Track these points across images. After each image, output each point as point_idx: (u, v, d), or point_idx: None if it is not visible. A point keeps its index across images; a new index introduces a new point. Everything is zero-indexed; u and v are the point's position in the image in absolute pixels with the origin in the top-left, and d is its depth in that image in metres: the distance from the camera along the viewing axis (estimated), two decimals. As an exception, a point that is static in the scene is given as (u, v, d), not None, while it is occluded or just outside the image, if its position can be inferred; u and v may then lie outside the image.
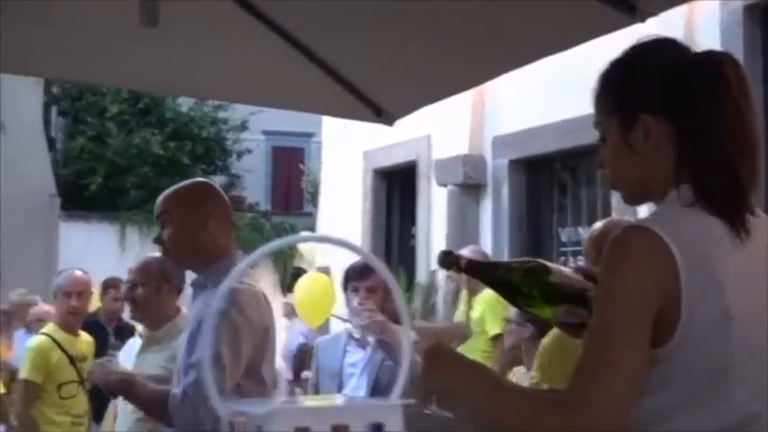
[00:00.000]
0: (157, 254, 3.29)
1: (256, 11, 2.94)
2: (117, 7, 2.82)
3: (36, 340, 5.38)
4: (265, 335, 2.75)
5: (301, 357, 7.10)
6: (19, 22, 3.03)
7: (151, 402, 2.81)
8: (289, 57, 3.11)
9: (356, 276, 3.69)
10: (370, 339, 3.64)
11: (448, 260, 1.76)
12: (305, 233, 11.56)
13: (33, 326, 6.72)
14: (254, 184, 21.76)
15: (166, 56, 3.21)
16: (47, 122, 18.54)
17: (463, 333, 6.13)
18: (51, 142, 18.51)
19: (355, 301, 3.58)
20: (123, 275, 4.18)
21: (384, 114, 3.43)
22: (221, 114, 19.51)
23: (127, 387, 2.85)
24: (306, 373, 5.46)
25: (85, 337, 5.44)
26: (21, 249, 17.10)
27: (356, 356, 3.73)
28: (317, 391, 3.87)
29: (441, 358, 1.59)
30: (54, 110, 19.16)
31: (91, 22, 3.03)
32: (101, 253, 17.27)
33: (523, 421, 1.46)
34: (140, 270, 3.74)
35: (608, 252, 1.51)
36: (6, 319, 7.64)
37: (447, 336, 6.20)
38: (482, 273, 1.78)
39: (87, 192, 17.86)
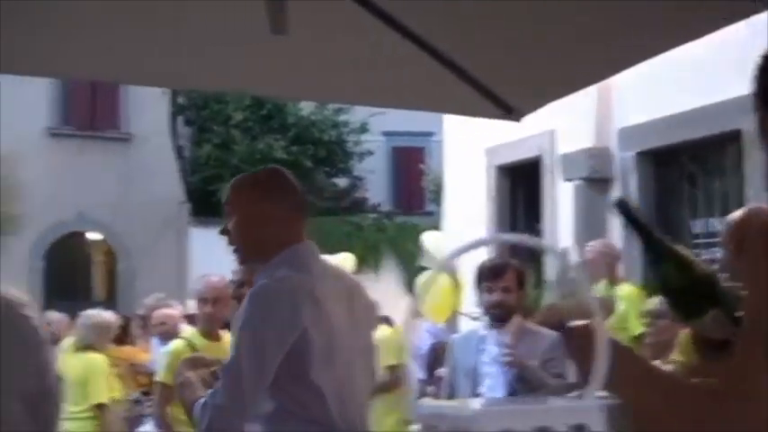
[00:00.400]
0: None
1: (380, 11, 2.94)
2: (244, 16, 2.87)
3: (173, 344, 5.51)
4: (302, 337, 2.49)
5: (435, 355, 7.06)
6: (149, 38, 3.12)
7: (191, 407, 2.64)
8: (414, 56, 3.10)
9: (490, 276, 3.64)
10: (506, 338, 3.60)
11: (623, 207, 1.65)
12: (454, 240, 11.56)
13: (158, 329, 6.94)
14: (376, 185, 21.90)
15: (292, 61, 3.24)
16: (174, 132, 19.10)
17: (609, 306, 5.80)
18: (179, 151, 19.07)
19: (490, 297, 3.52)
20: (253, 278, 4.26)
21: (512, 111, 3.40)
22: (342, 117, 19.71)
23: (181, 388, 2.70)
24: (441, 371, 5.41)
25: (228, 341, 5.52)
26: (153, 256, 17.71)
27: (491, 354, 3.67)
28: (452, 390, 3.84)
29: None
30: (180, 120, 19.71)
31: (219, 32, 3.08)
32: (230, 258, 17.63)
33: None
34: (245, 269, 3.72)
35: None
36: (143, 324, 7.89)
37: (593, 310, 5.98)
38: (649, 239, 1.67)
39: (215, 197, 18.29)
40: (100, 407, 6.25)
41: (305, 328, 2.45)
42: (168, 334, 6.75)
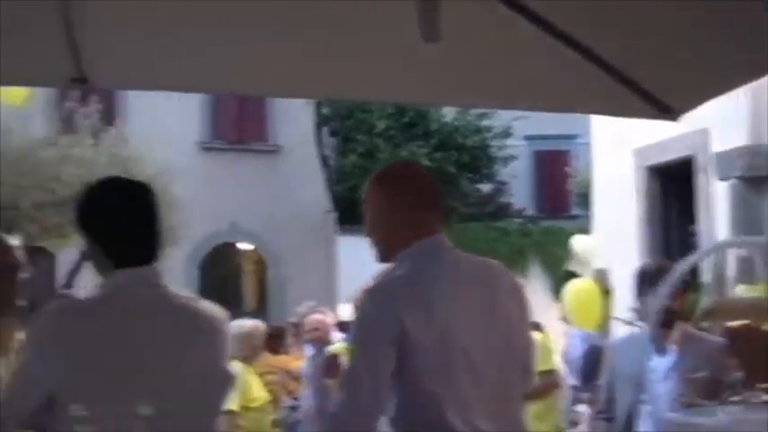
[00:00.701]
0: None
1: (531, 14, 2.89)
2: (395, 25, 2.87)
3: (333, 347, 5.71)
4: (404, 339, 2.37)
5: (593, 361, 6.89)
6: (298, 51, 3.16)
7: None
8: (569, 59, 3.05)
9: (653, 280, 3.49)
10: (673, 345, 3.48)
11: None
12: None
13: (310, 335, 7.05)
14: (520, 189, 21.72)
15: (442, 67, 3.22)
16: (319, 142, 19.44)
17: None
18: (324, 161, 19.38)
19: (653, 302, 3.39)
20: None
21: (670, 110, 3.30)
22: (484, 122, 19.62)
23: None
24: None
25: None
26: (302, 264, 18.04)
27: (656, 361, 3.54)
28: (611, 397, 3.73)
29: None
30: (325, 130, 20.04)
31: (369, 43, 3.09)
32: (377, 264, 17.79)
33: None
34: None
35: None
36: (296, 331, 8.03)
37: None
38: None
39: (360, 206, 18.50)
40: (230, 413, 6.41)
41: (405, 331, 2.35)
42: (320, 340, 6.87)
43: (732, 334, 2.93)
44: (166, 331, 2.40)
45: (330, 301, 11.94)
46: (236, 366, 6.48)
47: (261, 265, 19.37)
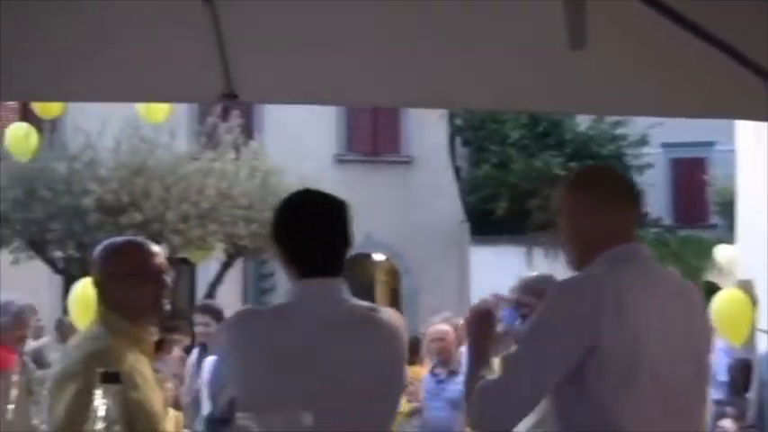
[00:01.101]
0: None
1: (677, 15, 2.79)
2: (537, 32, 2.83)
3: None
4: (594, 350, 2.24)
5: (739, 375, 6.63)
6: (433, 61, 3.14)
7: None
8: (714, 61, 2.92)
9: None
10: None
11: None
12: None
13: (433, 345, 6.98)
14: (656, 198, 21.14)
15: (584, 74, 3.14)
16: (452, 154, 19.42)
17: None
18: (457, 172, 19.34)
19: None
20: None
21: None
22: (620, 131, 19.23)
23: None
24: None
25: None
26: (436, 275, 18.03)
27: None
28: (762, 410, 3.57)
29: None
30: (458, 141, 20.01)
31: (514, 51, 3.05)
32: (509, 275, 17.61)
33: None
34: (528, 289, 3.45)
35: None
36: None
37: None
38: None
39: (493, 216, 18.38)
40: None
41: (598, 340, 2.21)
42: (444, 351, 6.83)
43: None
44: (348, 342, 2.40)
45: (463, 312, 11.84)
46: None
47: (394, 275, 19.46)
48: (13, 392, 3.12)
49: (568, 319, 2.26)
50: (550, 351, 2.26)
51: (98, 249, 2.91)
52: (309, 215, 2.48)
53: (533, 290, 3.14)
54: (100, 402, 1.51)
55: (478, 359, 2.51)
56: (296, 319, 2.40)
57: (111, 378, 1.53)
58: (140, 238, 3.04)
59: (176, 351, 7.88)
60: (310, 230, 2.46)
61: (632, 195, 2.52)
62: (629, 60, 3.07)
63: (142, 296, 2.81)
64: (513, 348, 2.39)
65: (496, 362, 2.49)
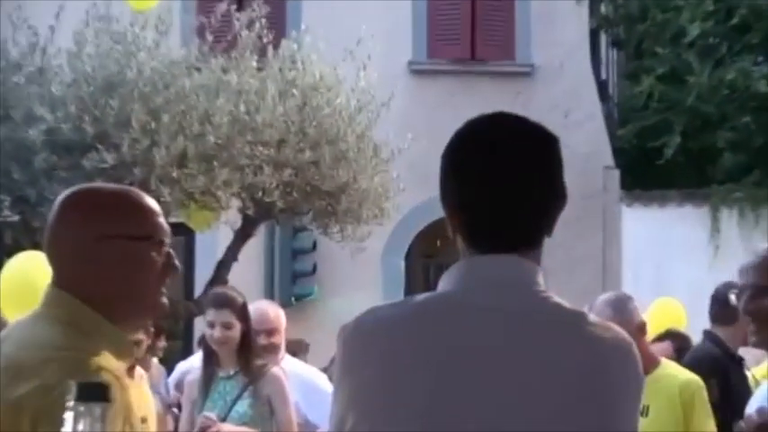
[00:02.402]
0: None
1: None
2: None
3: None
4: None
5: None
6: None
7: None
8: None
9: None
10: None
11: None
12: None
13: None
14: None
15: None
16: (595, 60, 19.23)
17: None
18: (603, 88, 19.16)
19: None
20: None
21: None
22: None
23: None
24: None
25: None
26: (568, 246, 17.81)
27: None
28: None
29: None
30: (604, 40, 19.79)
31: None
32: (684, 250, 17.47)
33: None
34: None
35: None
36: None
37: None
38: None
39: (659, 160, 18.21)
40: None
41: None
42: None
43: None
44: (540, 360, 2.50)
45: (608, 288, 11.68)
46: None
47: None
48: None
49: None
50: None
51: (59, 204, 2.95)
52: (491, 157, 2.59)
53: None
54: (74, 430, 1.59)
55: None
56: (465, 318, 2.53)
57: (94, 394, 1.55)
58: (130, 187, 3.13)
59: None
60: (501, 180, 2.56)
61: None
62: None
63: (137, 280, 2.88)
64: None
65: None
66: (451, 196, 2.61)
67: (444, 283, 2.62)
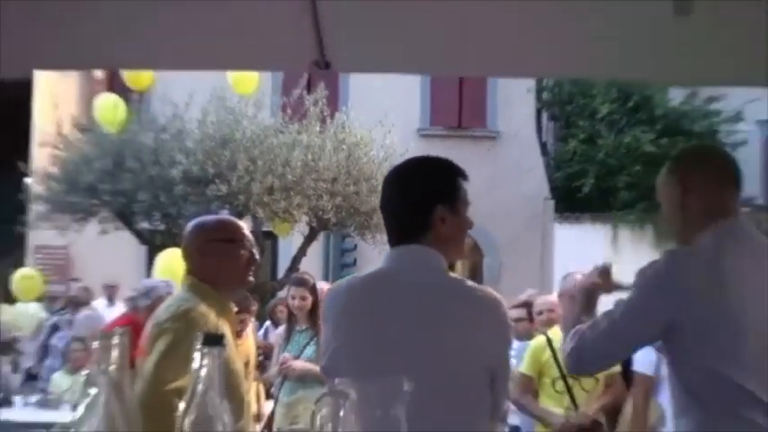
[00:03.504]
0: None
1: None
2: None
3: (535, 339, 5.90)
4: (674, 321, 2.48)
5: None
6: (519, 28, 3.08)
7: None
8: None
9: None
10: None
11: None
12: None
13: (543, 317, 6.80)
14: (750, 177, 20.50)
15: (691, 44, 3.05)
16: (539, 129, 19.17)
17: None
18: (543, 147, 19.10)
19: None
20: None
21: None
22: (713, 106, 18.75)
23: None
24: None
25: None
26: (519, 253, 17.88)
27: None
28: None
29: None
30: (545, 115, 19.73)
31: (609, 17, 2.97)
32: (593, 254, 17.40)
33: None
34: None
35: None
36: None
37: None
38: None
39: (579, 193, 18.12)
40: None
41: (687, 313, 2.40)
42: (552, 322, 6.68)
43: None
44: (440, 310, 2.42)
45: (545, 292, 11.72)
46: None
47: (476, 251, 19.37)
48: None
49: (657, 295, 2.44)
50: (640, 322, 2.50)
51: (191, 224, 3.13)
52: (388, 182, 2.56)
53: None
54: (201, 364, 1.46)
55: (587, 307, 2.73)
56: (384, 286, 2.47)
57: (214, 340, 1.47)
58: (230, 216, 3.31)
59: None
60: (384, 196, 2.55)
61: (736, 173, 2.60)
62: (730, 29, 2.99)
63: (232, 269, 3.01)
64: (614, 309, 2.58)
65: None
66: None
67: (384, 263, 2.54)
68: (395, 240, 2.50)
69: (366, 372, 2.20)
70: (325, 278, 15.86)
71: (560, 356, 4.86)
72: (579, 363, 2.65)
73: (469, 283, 2.49)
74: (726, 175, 2.60)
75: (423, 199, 2.49)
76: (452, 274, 2.51)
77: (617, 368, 5.20)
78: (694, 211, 2.54)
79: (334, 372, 2.24)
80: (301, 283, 6.73)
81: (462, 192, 2.58)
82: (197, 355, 1.46)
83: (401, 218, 2.50)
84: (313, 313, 6.44)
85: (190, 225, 3.14)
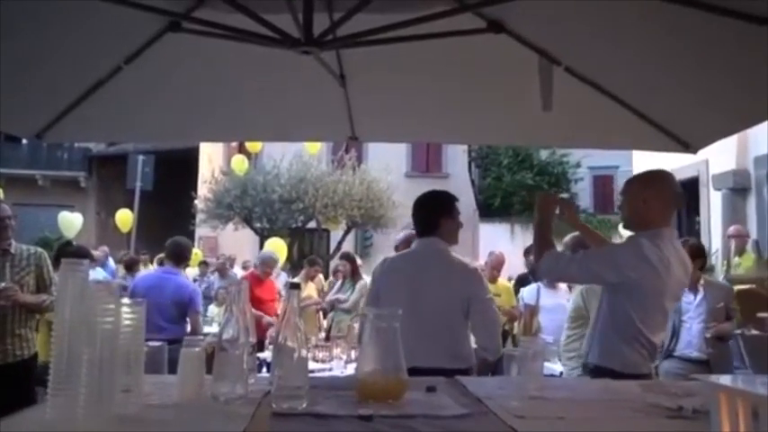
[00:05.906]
0: None
1: (589, 81, 2.47)
2: (519, 97, 2.62)
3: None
4: (629, 280, 2.14)
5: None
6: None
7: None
8: (614, 111, 2.56)
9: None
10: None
11: None
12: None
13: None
14: (584, 198, 20.34)
15: (547, 122, 2.89)
16: (470, 171, 18.75)
17: None
18: (473, 183, 18.66)
19: None
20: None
21: (688, 146, 2.84)
22: (565, 158, 18.56)
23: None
24: None
25: None
26: (459, 241, 17.55)
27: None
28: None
29: None
30: (473, 164, 19.33)
31: (499, 102, 2.82)
32: (501, 241, 17.10)
33: None
34: None
35: None
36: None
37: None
38: None
39: (492, 207, 17.93)
40: None
41: (638, 275, 2.07)
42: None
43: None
44: (437, 273, 2.43)
45: (475, 263, 11.63)
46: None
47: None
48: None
49: (623, 258, 2.13)
50: (606, 269, 2.12)
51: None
52: (417, 205, 2.61)
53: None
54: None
55: (547, 229, 2.32)
56: (406, 261, 2.48)
57: (294, 286, 1.45)
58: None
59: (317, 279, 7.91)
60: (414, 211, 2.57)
61: (679, 195, 2.28)
62: (565, 114, 2.86)
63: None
64: (591, 250, 2.34)
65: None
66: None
67: (413, 246, 2.52)
68: (419, 235, 2.51)
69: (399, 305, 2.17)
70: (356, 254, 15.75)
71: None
72: (549, 270, 2.22)
73: (458, 258, 2.49)
74: (674, 196, 2.28)
75: (435, 213, 2.54)
76: (452, 254, 2.51)
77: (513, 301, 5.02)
78: (647, 217, 2.22)
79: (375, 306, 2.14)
80: (345, 257, 6.54)
81: (455, 208, 2.60)
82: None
83: (424, 223, 2.53)
84: (354, 273, 6.14)
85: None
